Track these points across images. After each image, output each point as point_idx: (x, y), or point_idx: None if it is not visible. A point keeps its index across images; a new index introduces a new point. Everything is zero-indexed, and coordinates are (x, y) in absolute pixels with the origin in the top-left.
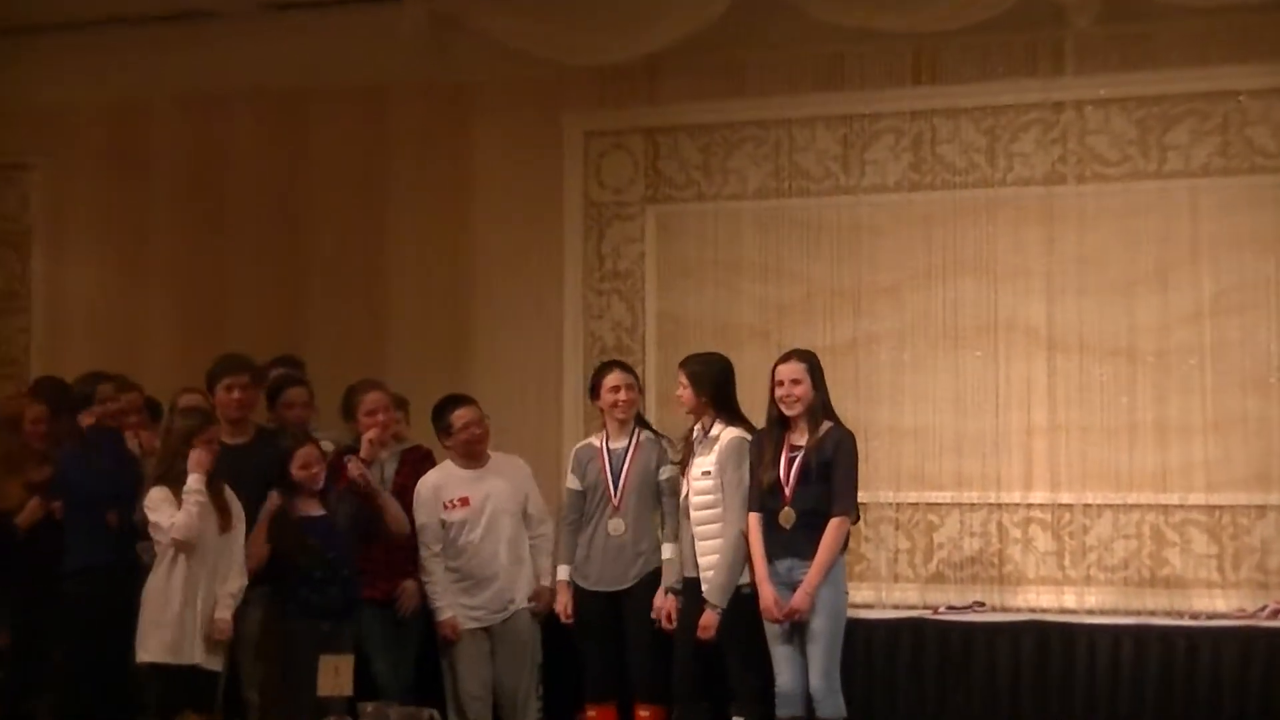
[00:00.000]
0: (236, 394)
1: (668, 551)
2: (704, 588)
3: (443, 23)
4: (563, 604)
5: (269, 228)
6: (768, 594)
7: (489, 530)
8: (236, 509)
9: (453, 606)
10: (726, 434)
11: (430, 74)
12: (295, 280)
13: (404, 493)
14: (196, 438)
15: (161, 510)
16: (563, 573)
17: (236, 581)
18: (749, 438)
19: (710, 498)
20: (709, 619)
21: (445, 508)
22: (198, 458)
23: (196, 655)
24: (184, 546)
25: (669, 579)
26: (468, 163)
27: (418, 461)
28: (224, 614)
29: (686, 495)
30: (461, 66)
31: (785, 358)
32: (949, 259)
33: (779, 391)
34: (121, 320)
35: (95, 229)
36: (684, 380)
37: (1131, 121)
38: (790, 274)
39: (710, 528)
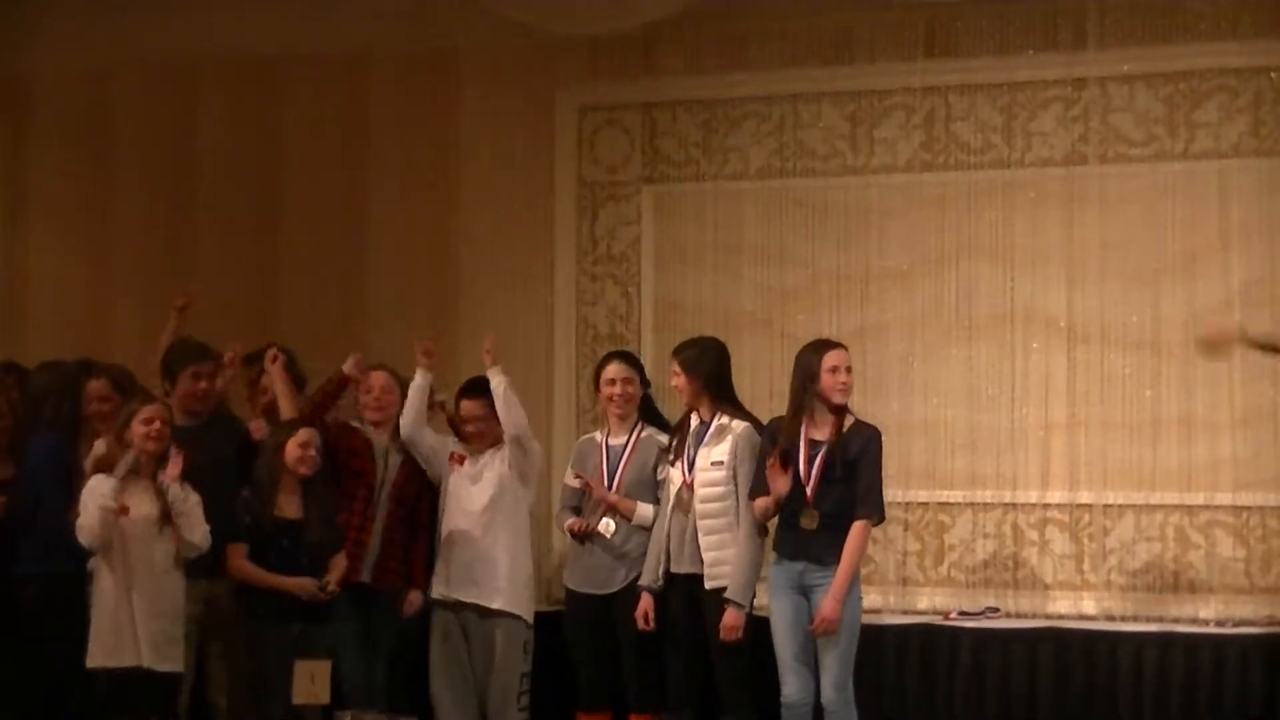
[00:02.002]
0: (204, 384)
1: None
2: (707, 583)
3: None
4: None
5: (241, 205)
6: (779, 484)
7: None
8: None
9: None
10: (739, 425)
11: (413, 42)
12: (270, 261)
13: (408, 483)
14: (135, 418)
15: (87, 506)
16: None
17: (196, 533)
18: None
19: (720, 489)
20: (734, 619)
21: None
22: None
23: (142, 657)
24: (98, 549)
25: (646, 577)
26: (453, 139)
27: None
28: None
29: (682, 487)
30: (446, 34)
31: (835, 344)
32: (963, 244)
33: (834, 379)
34: (85, 300)
35: (57, 203)
36: (677, 368)
37: (1157, 98)
38: (794, 258)
39: (718, 521)
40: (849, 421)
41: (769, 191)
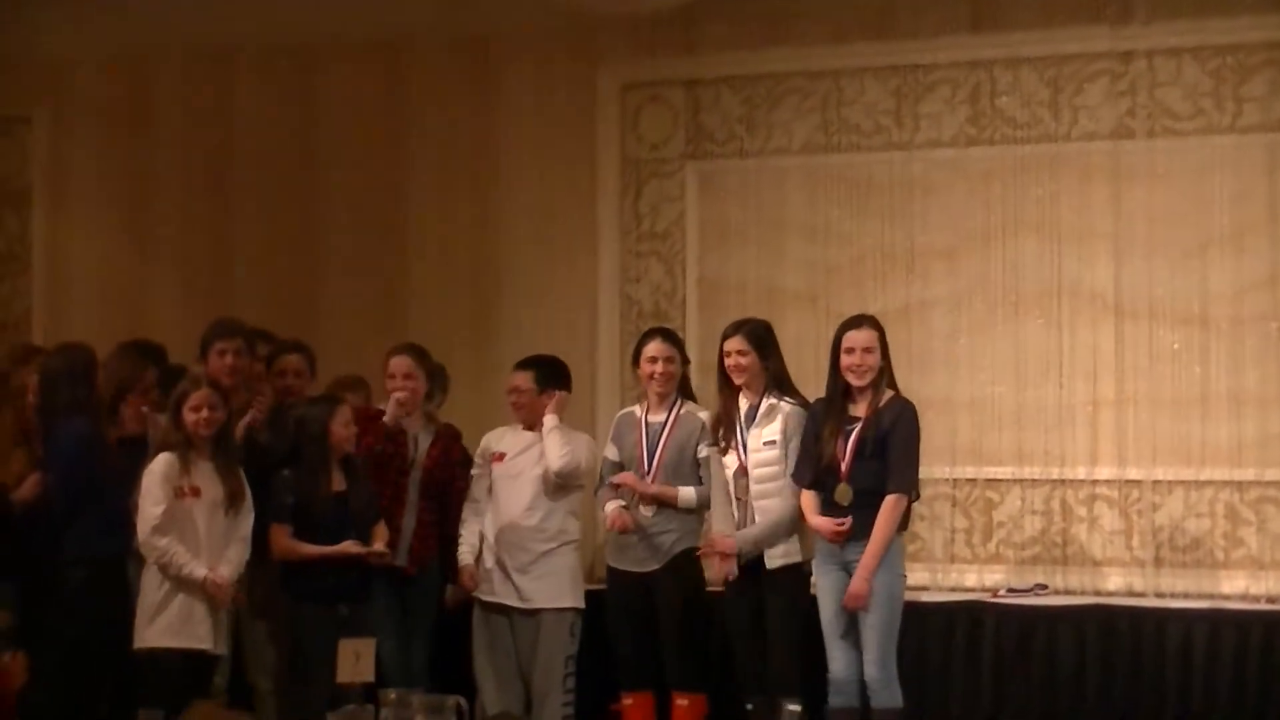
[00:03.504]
0: (229, 359)
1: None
2: (768, 563)
3: None
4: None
5: (280, 190)
6: (822, 524)
7: None
8: (245, 486)
9: None
10: (788, 405)
11: (453, 25)
12: (308, 245)
13: (436, 469)
14: (185, 405)
15: (149, 494)
16: (612, 505)
17: (240, 553)
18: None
19: (774, 469)
20: (722, 546)
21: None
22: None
23: (206, 639)
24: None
25: (719, 527)
26: (494, 120)
27: (449, 440)
28: (224, 570)
29: (738, 472)
30: (486, 16)
31: (855, 323)
32: (1009, 219)
33: (848, 360)
34: (125, 284)
35: (98, 187)
36: (743, 345)
37: (1205, 72)
38: (839, 235)
39: (774, 501)
40: (886, 398)
41: (813, 167)
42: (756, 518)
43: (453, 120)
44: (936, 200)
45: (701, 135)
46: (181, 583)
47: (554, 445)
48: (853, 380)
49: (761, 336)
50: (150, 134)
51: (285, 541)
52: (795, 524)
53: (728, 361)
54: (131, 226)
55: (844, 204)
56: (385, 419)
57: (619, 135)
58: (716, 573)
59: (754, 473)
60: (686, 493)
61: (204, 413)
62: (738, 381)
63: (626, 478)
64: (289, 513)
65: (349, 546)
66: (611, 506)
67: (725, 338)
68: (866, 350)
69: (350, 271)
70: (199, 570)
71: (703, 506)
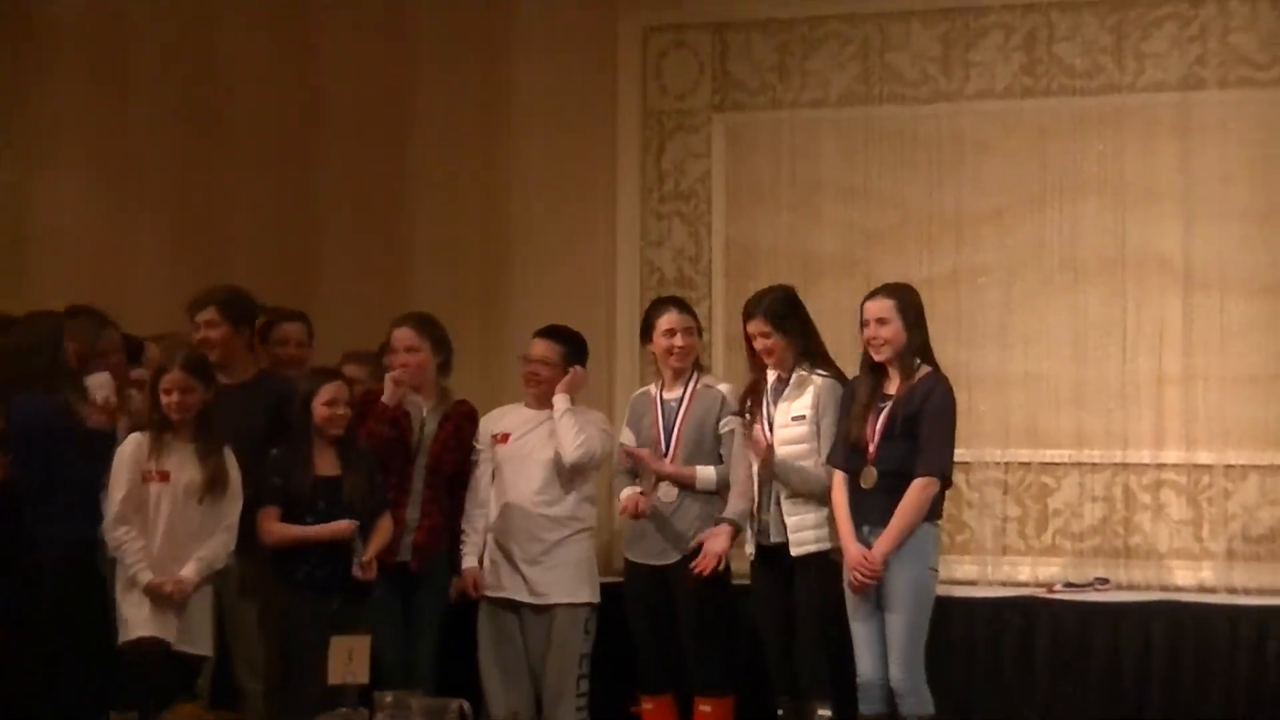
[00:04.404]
0: (202, 331)
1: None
2: (793, 549)
3: None
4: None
5: (273, 146)
6: (854, 551)
7: None
8: (228, 472)
9: None
10: (820, 378)
11: None
12: (304, 206)
13: (444, 453)
14: (158, 382)
15: (115, 478)
16: (628, 490)
17: (218, 545)
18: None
19: (804, 446)
20: (720, 542)
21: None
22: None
23: (176, 635)
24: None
25: (731, 510)
26: (505, 67)
27: (462, 419)
28: (186, 571)
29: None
30: None
31: (873, 293)
32: (1067, 179)
33: (866, 333)
34: (102, 244)
35: (73, 140)
36: (764, 328)
37: None
38: (880, 195)
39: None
40: (920, 374)
41: (852, 121)
42: (784, 501)
43: (459, 70)
44: (988, 158)
45: (730, 85)
46: (126, 582)
47: (567, 433)
48: (873, 354)
49: (783, 312)
50: (131, 83)
51: (272, 525)
52: (825, 499)
53: (754, 344)
54: (109, 182)
55: (885, 162)
56: (384, 399)
57: (640, 85)
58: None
59: (781, 450)
60: (705, 472)
61: (175, 396)
62: (769, 363)
63: (639, 452)
64: (278, 494)
65: (338, 530)
66: (626, 492)
67: (746, 318)
68: (880, 321)
69: (348, 236)
70: (144, 574)
71: (724, 487)
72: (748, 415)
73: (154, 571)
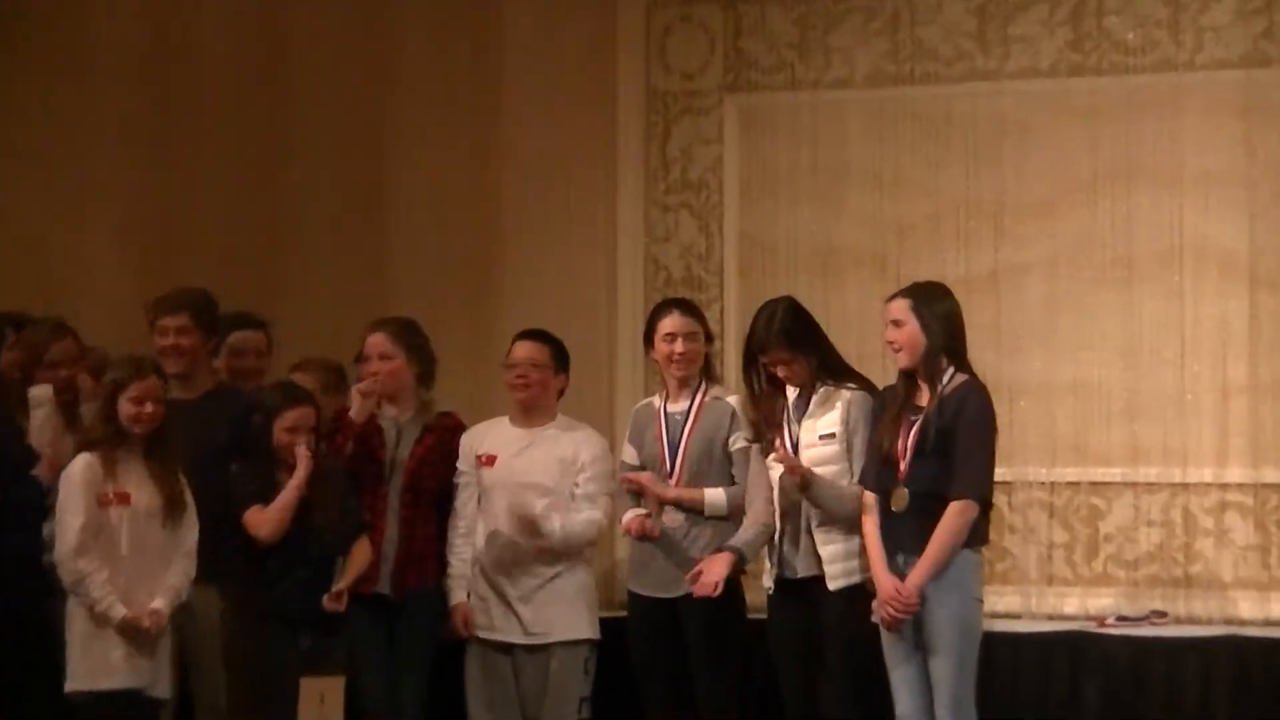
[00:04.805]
0: (171, 338)
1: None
2: (830, 584)
3: None
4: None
5: (239, 136)
6: (886, 582)
7: None
8: (185, 491)
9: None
10: (849, 391)
11: None
12: (275, 199)
13: (424, 470)
14: (124, 393)
15: (67, 503)
16: (631, 512)
17: (183, 574)
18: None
19: (835, 468)
20: (716, 570)
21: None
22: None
23: (143, 678)
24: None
25: (739, 538)
26: (496, 45)
27: (446, 432)
28: (158, 604)
29: (785, 475)
30: None
31: (895, 294)
32: (1119, 165)
33: (885, 337)
34: (45, 241)
35: (20, 127)
36: (784, 354)
37: None
38: (911, 185)
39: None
40: (954, 381)
41: (880, 103)
42: (815, 530)
43: (446, 48)
44: (1031, 143)
45: (744, 63)
46: (96, 619)
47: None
48: (895, 361)
49: (797, 330)
50: (88, 67)
51: (261, 516)
52: (857, 522)
53: (774, 373)
54: (61, 175)
55: (917, 148)
56: (351, 414)
57: (643, 64)
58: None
59: None
60: (714, 495)
61: (148, 406)
62: (784, 379)
63: (640, 478)
64: (257, 495)
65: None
66: (630, 514)
67: (758, 351)
68: (896, 324)
69: (319, 233)
70: (117, 610)
71: (737, 511)
72: (765, 440)
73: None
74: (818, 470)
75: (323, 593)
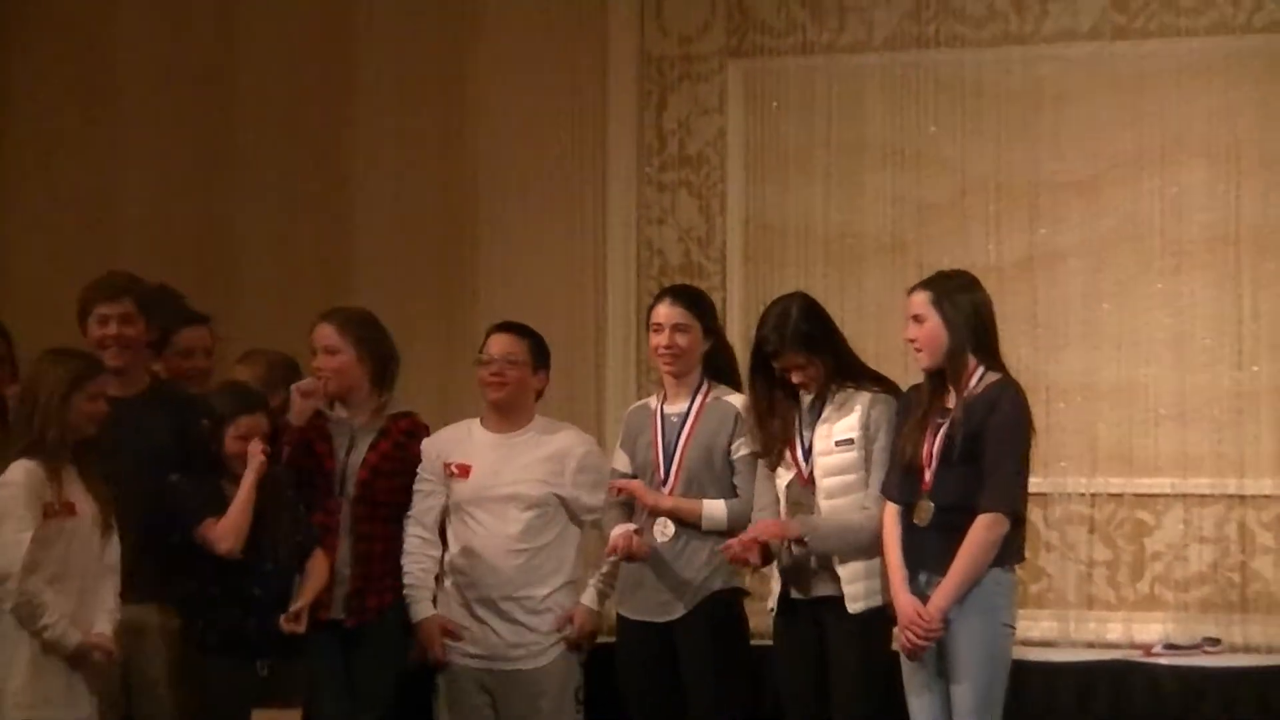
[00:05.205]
0: (113, 328)
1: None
2: (850, 605)
3: None
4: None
5: (182, 107)
6: (907, 605)
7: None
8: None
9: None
10: (869, 392)
11: None
12: (223, 178)
13: (378, 480)
14: (76, 393)
15: (10, 515)
16: (619, 529)
17: (113, 593)
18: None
19: (852, 478)
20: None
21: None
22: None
23: (85, 709)
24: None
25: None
26: (469, 6)
27: (404, 436)
28: (105, 628)
29: (796, 482)
30: None
31: (916, 285)
32: (1169, 139)
33: (907, 334)
34: None
35: None
36: (800, 359)
37: None
38: (936, 161)
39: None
40: (984, 381)
41: (901, 69)
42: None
43: (414, 8)
44: (1071, 114)
45: (749, 25)
46: (45, 646)
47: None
48: (916, 361)
49: (814, 332)
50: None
51: (222, 527)
52: (877, 547)
53: (790, 378)
54: None
55: (944, 119)
56: (289, 416)
57: (636, 25)
58: (741, 552)
59: (824, 484)
60: (713, 507)
61: (100, 404)
62: (798, 382)
63: (631, 485)
64: (212, 505)
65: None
66: (618, 530)
67: (771, 358)
68: (915, 319)
69: (272, 214)
70: (71, 636)
71: (738, 526)
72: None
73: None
74: (834, 479)
75: (279, 613)
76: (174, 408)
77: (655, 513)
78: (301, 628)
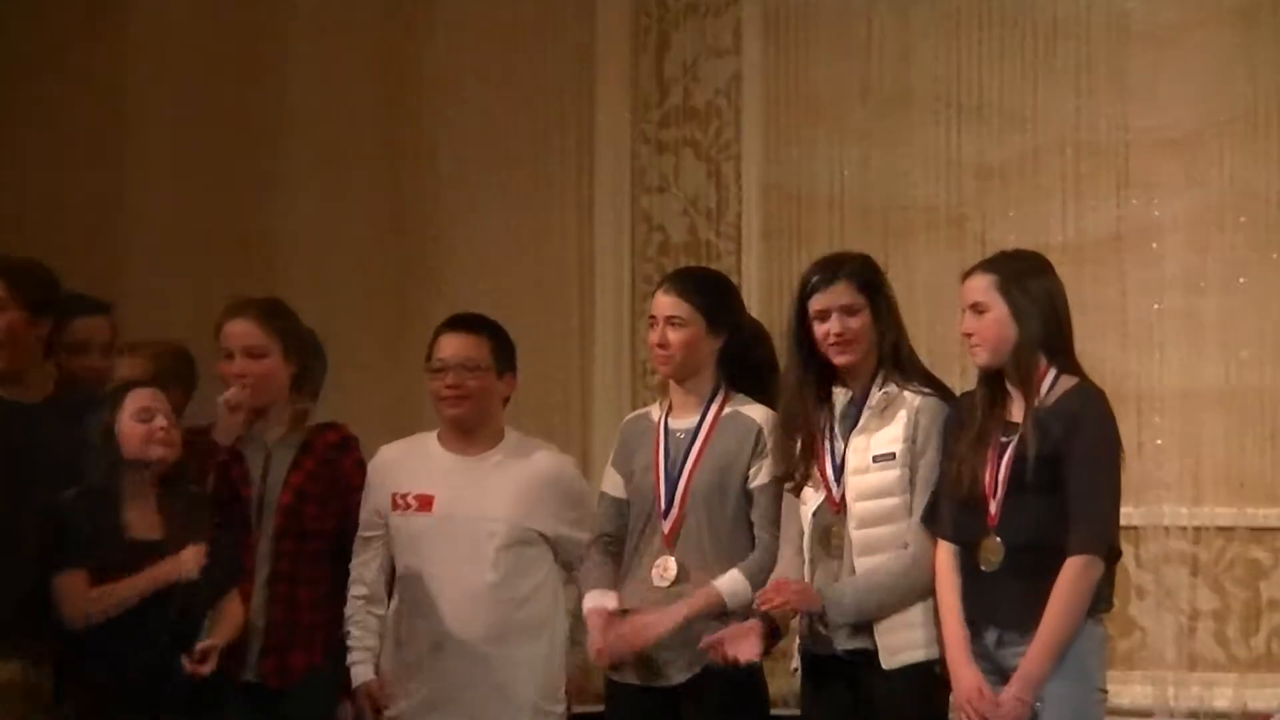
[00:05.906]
0: None
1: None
2: (885, 661)
3: None
4: (595, 642)
5: (80, 71)
6: (967, 679)
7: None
8: None
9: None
10: (916, 395)
11: None
12: (112, 143)
13: (302, 505)
14: None
15: None
16: (592, 600)
17: None
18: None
19: (894, 502)
20: (745, 647)
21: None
22: None
23: None
24: None
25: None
26: None
27: (331, 450)
28: None
29: (826, 507)
30: None
31: (974, 267)
32: None
33: (963, 327)
34: None
35: None
36: (850, 297)
37: None
38: (1001, 113)
39: (888, 556)
40: (1059, 387)
41: (956, 3)
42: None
43: None
44: (1164, 60)
45: None
46: None
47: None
48: (972, 359)
49: (874, 281)
50: None
51: (80, 593)
52: (927, 591)
53: (821, 328)
54: None
55: (1008, 65)
56: (214, 434)
57: None
58: (739, 646)
59: (856, 509)
60: (732, 584)
61: None
62: (842, 360)
63: (606, 633)
64: (83, 551)
65: (180, 566)
66: (592, 603)
67: (813, 287)
68: (974, 309)
69: (179, 187)
70: None
71: (759, 585)
72: (797, 476)
73: None
74: (869, 504)
75: (177, 664)
76: (77, 415)
77: (652, 634)
78: (207, 669)
